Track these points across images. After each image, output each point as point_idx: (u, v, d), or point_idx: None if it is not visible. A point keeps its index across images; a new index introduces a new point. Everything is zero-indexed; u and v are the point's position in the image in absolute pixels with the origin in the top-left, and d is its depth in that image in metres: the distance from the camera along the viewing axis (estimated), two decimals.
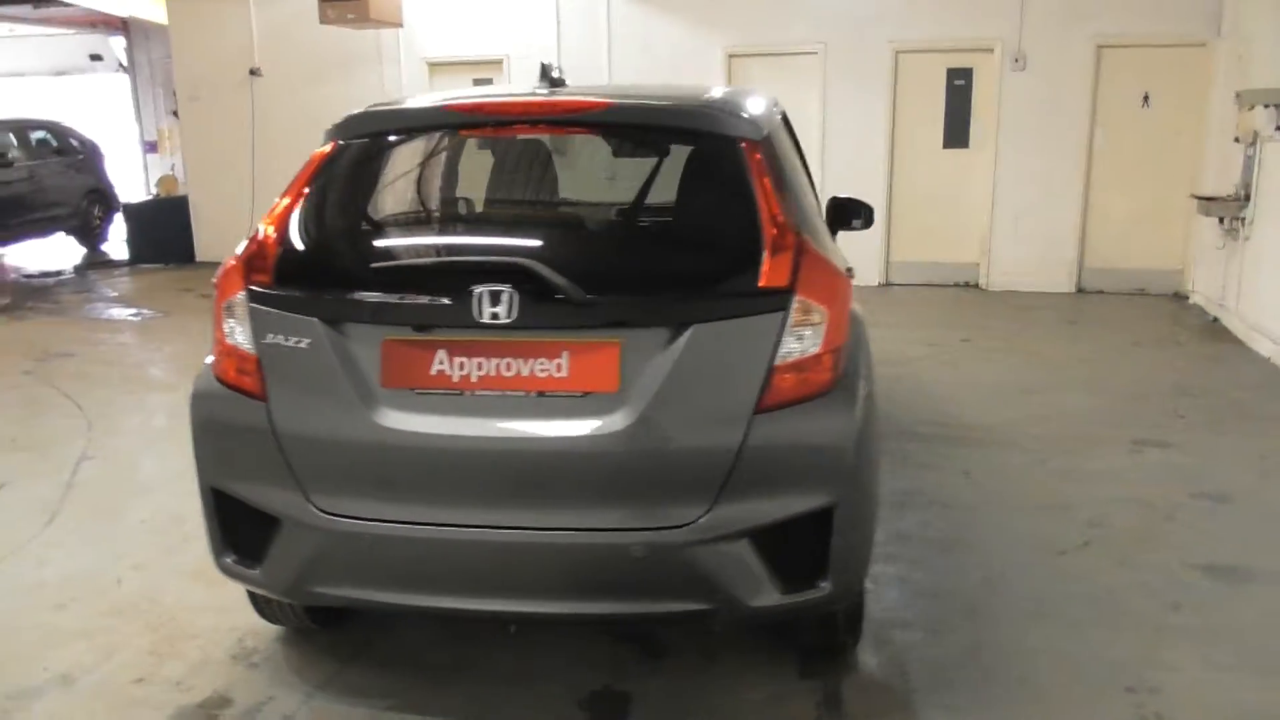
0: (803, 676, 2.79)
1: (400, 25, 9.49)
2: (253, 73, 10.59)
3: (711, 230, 2.48)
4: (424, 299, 2.32)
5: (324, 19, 8.89)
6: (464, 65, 10.27)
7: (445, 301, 2.29)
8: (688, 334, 2.29)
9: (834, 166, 8.98)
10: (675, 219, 2.50)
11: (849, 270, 2.59)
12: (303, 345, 2.36)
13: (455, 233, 2.51)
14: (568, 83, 2.76)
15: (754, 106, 2.70)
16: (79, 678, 2.77)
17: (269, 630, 2.96)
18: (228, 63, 10.66)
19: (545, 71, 2.70)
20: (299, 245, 2.46)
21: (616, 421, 2.27)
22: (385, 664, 2.84)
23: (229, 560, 2.52)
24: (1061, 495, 4.11)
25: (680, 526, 2.27)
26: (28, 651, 2.91)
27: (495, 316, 2.27)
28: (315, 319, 2.36)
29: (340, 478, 2.36)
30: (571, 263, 2.36)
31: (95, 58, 15.43)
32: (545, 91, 2.65)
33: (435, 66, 10.35)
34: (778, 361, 2.30)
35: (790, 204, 2.50)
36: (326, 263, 2.43)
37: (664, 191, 2.54)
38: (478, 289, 2.27)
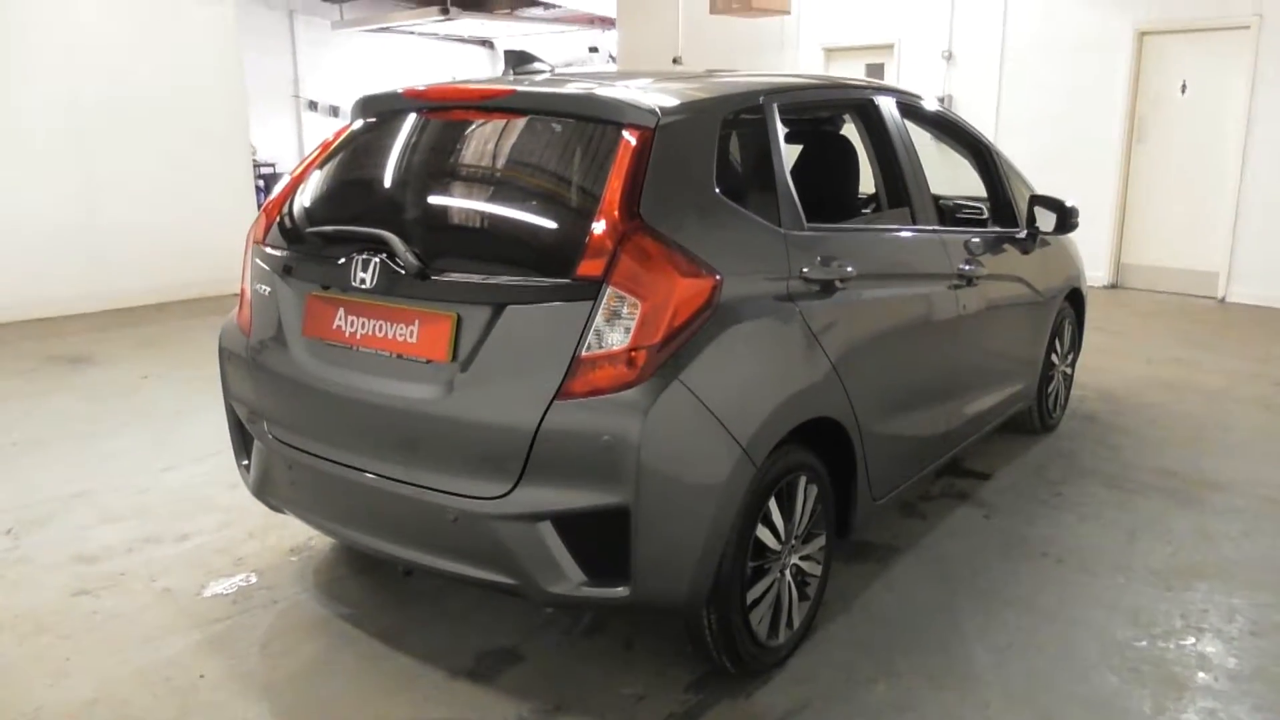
0: (687, 689, 2.68)
1: (787, 13, 9.68)
2: (675, 61, 11.49)
3: (556, 215, 2.48)
4: (327, 262, 2.68)
5: (713, 9, 9.43)
6: (857, 50, 10.20)
7: (338, 265, 2.63)
8: (504, 314, 2.38)
9: (1263, 167, 7.52)
10: (534, 203, 2.54)
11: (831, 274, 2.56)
12: (266, 293, 2.87)
13: (359, 205, 2.81)
14: (567, 69, 2.91)
15: (671, 95, 2.61)
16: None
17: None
18: (658, 51, 11.70)
19: (508, 59, 2.87)
20: (281, 210, 2.95)
21: (444, 390, 2.44)
22: (373, 584, 3.28)
23: (242, 463, 3.13)
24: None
25: (487, 499, 2.38)
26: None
27: (363, 282, 2.55)
28: (273, 271, 2.84)
29: (281, 407, 2.83)
30: (427, 239, 2.56)
31: (593, 49, 17.76)
32: (511, 78, 2.84)
33: (831, 52, 10.42)
34: (583, 351, 2.29)
35: (670, 195, 2.41)
36: (288, 226, 2.89)
37: (550, 176, 2.59)
38: (356, 257, 2.57)
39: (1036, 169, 5.60)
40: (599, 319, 2.28)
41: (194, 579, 3.31)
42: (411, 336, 2.52)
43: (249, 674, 2.76)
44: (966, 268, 3.54)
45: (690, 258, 2.37)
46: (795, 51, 10.53)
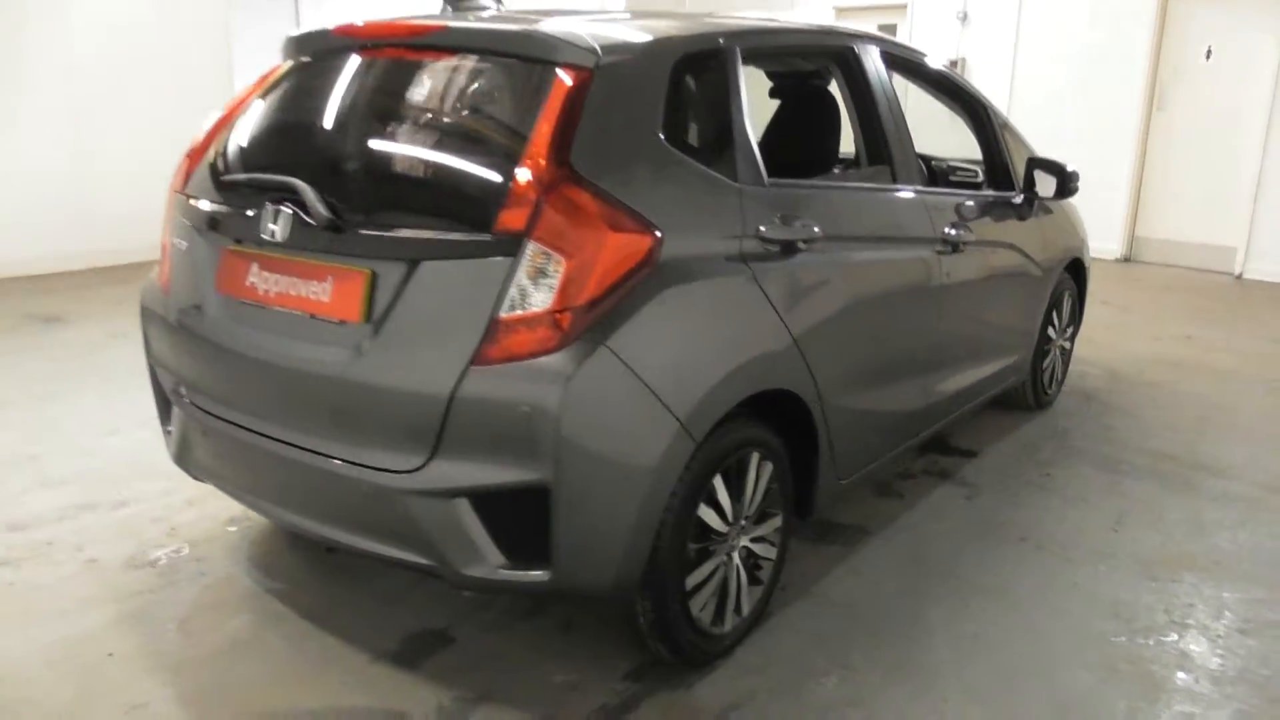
0: (624, 678, 2.50)
1: None
2: None
3: (479, 163, 2.26)
4: (241, 213, 2.48)
5: None
6: (869, 10, 9.86)
7: (251, 216, 2.43)
8: (419, 271, 2.18)
9: None
10: (457, 149, 2.33)
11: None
12: (183, 247, 2.67)
13: (276, 151, 2.59)
14: (496, 7, 2.68)
15: (617, 33, 2.38)
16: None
17: None
18: (662, 7, 11.35)
19: None
20: (201, 158, 2.74)
21: (357, 353, 2.24)
22: (309, 559, 3.10)
23: (166, 429, 2.95)
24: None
25: (401, 473, 2.19)
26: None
27: (273, 234, 2.35)
28: (190, 224, 2.65)
29: (196, 370, 2.65)
30: (343, 187, 2.36)
31: None
32: (449, 13, 2.62)
33: (842, 11, 10.07)
34: (502, 313, 2.08)
35: (608, 143, 2.19)
36: (206, 174, 2.68)
37: (478, 120, 2.37)
38: (267, 207, 2.37)
39: (1051, 135, 5.34)
40: (520, 278, 2.07)
41: (123, 549, 3.15)
42: (324, 295, 2.32)
43: (161, 652, 2.60)
44: (952, 232, 3.30)
45: (625, 212, 2.15)
46: (805, 10, 10.20)
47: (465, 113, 2.38)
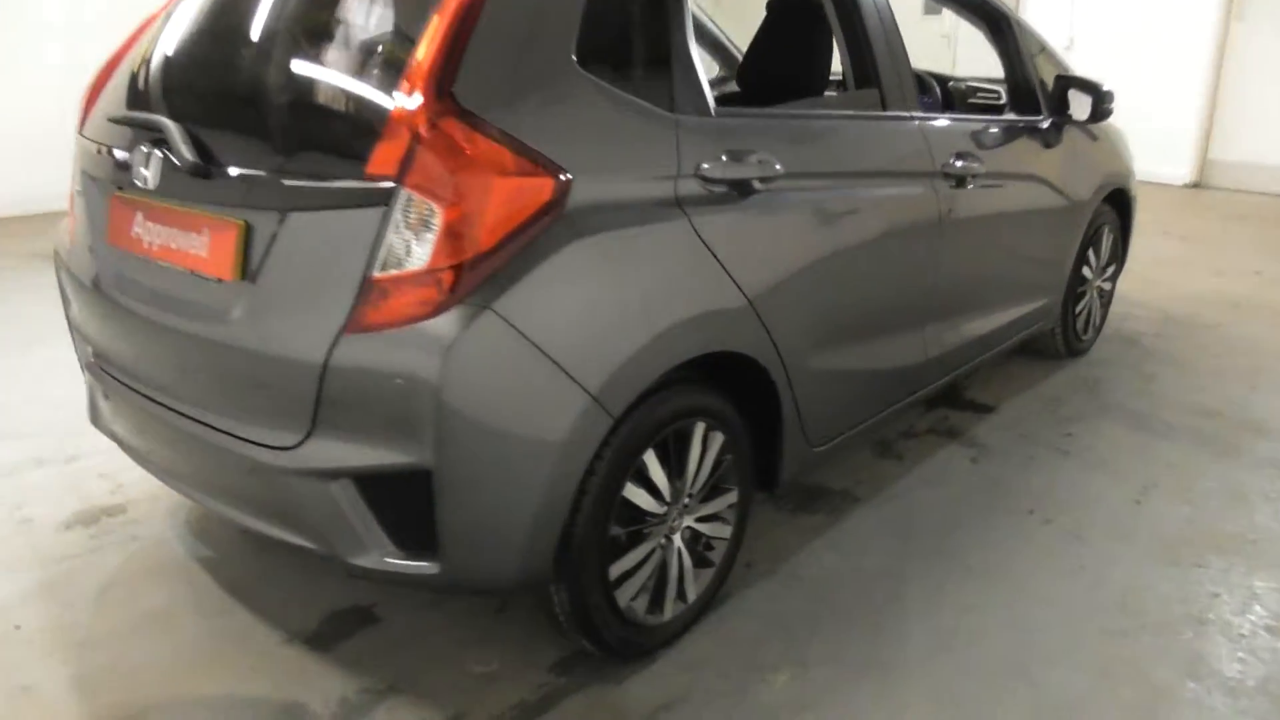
0: (551, 669, 2.26)
1: None
2: None
3: (354, 97, 1.96)
4: (117, 157, 2.22)
5: None
6: None
7: (125, 160, 2.17)
8: (288, 223, 1.91)
9: None
10: (334, 81, 2.01)
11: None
12: (81, 194, 2.43)
13: (156, 86, 2.30)
14: None
15: None
16: None
17: None
18: None
19: None
20: (98, 96, 2.48)
21: (232, 314, 1.99)
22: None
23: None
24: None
25: (280, 449, 1.95)
26: None
27: (144, 180, 2.10)
28: (84, 168, 2.41)
29: (94, 327, 2.43)
30: (216, 126, 2.08)
31: None
32: None
33: None
34: (376, 271, 1.80)
35: (502, 69, 1.87)
36: (99, 114, 2.43)
37: (359, 47, 2.05)
38: (140, 150, 2.11)
39: (1116, 50, 4.78)
40: (394, 231, 1.78)
41: (61, 508, 3.00)
42: (201, 248, 2.06)
43: (68, 627, 2.44)
44: (957, 164, 2.90)
45: (521, 151, 1.84)
46: None
47: (346, 38, 2.07)
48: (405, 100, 1.79)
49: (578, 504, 2.00)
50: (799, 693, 2.19)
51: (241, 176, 1.98)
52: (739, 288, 2.20)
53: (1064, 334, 4.01)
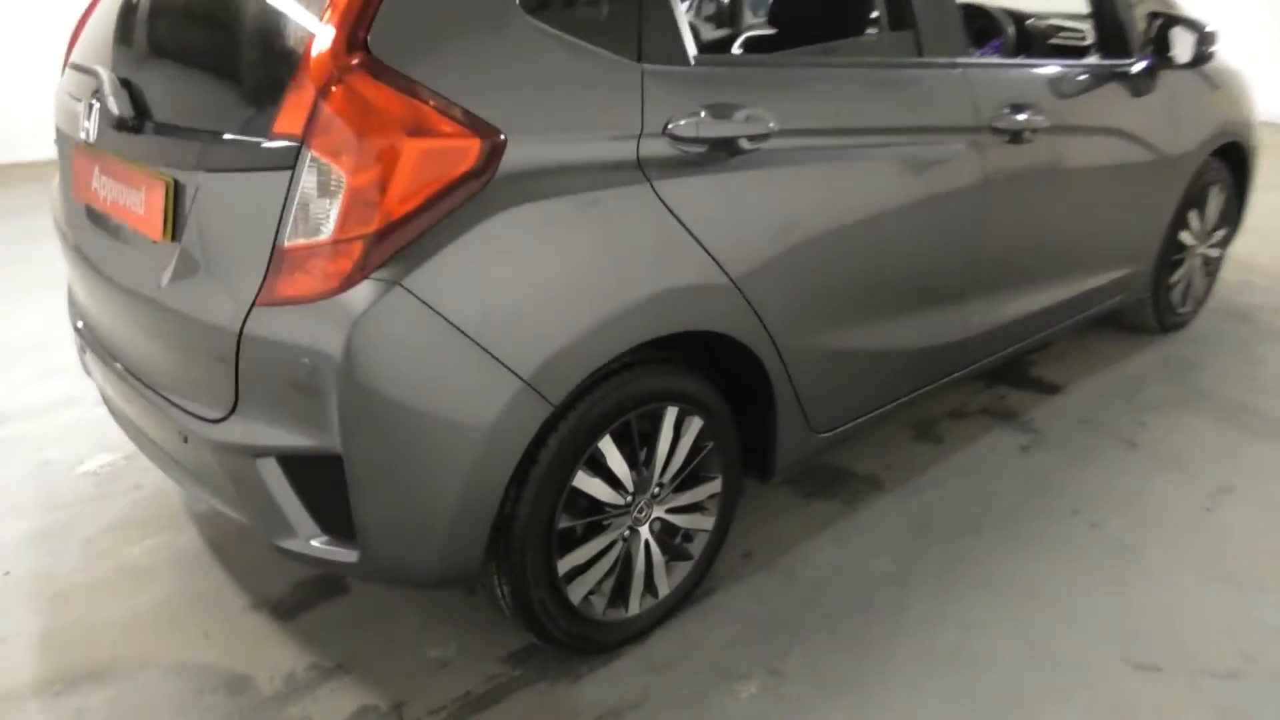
0: (506, 659, 2.14)
1: None
2: None
3: (272, 46, 1.78)
4: (75, 107, 2.14)
5: None
6: None
7: (78, 109, 2.09)
8: (204, 184, 1.78)
9: None
10: (259, 28, 1.84)
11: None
12: (56, 143, 2.38)
13: (109, 32, 2.17)
14: None
15: None
16: None
17: None
18: None
19: None
20: (74, 40, 2.40)
21: (163, 276, 1.90)
22: None
23: None
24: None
25: (210, 421, 1.86)
26: None
27: (86, 132, 2.02)
28: (56, 118, 2.35)
29: (72, 283, 2.40)
30: (151, 76, 1.96)
31: None
32: None
33: None
34: (284, 240, 1.66)
35: (428, 14, 1.68)
36: (70, 61, 2.35)
37: None
38: (85, 101, 2.02)
39: None
40: (301, 196, 1.63)
41: (79, 452, 3.04)
42: (139, 206, 1.97)
43: (51, 577, 2.45)
44: (1012, 116, 2.55)
45: (443, 108, 1.64)
46: None
47: None
48: (315, 50, 1.62)
49: (517, 494, 1.85)
50: (763, 708, 2.01)
51: (167, 131, 1.87)
52: (715, 261, 1.97)
53: (1155, 307, 3.59)
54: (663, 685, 2.07)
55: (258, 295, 1.69)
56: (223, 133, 1.75)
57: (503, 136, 1.69)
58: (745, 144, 1.99)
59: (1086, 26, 3.24)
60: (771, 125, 2.02)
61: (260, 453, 1.80)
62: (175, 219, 1.87)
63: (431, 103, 1.63)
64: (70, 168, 2.27)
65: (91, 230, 2.19)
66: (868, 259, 2.32)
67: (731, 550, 2.47)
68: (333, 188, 1.61)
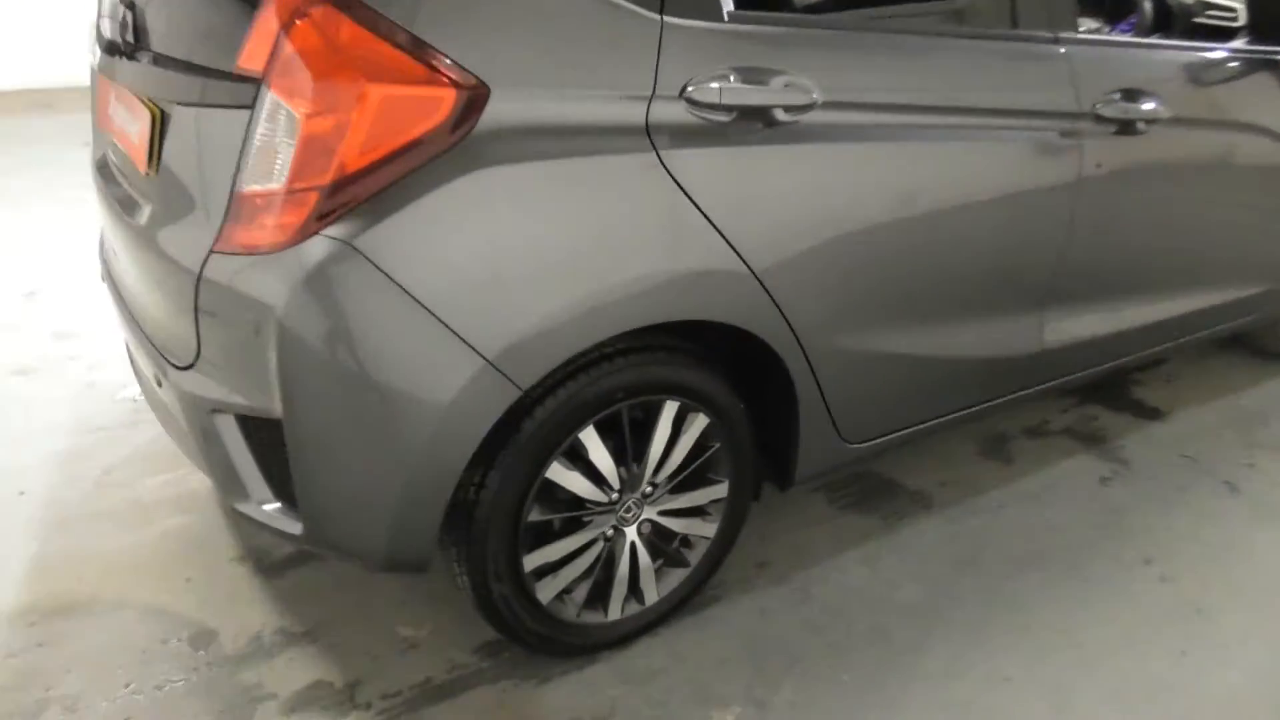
0: (476, 650, 2.01)
1: None
2: None
3: None
4: (96, 28, 2.07)
5: None
6: None
7: (96, 33, 2.02)
8: (180, 117, 1.68)
9: None
10: None
11: None
12: (90, 71, 2.33)
13: None
14: None
15: None
16: None
17: None
18: None
19: None
20: None
21: (144, 210, 1.82)
22: None
23: None
24: None
25: (178, 367, 1.77)
26: None
27: (94, 56, 1.94)
28: (90, 43, 2.29)
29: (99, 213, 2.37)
30: (152, 3, 1.85)
31: None
32: None
33: None
34: (242, 185, 1.53)
35: None
36: None
37: None
38: (102, 23, 1.95)
39: None
40: (260, 139, 1.50)
41: (126, 376, 3.05)
42: (135, 136, 1.88)
43: (62, 502, 2.46)
44: (1129, 104, 2.21)
45: (415, 52, 1.47)
46: None
47: None
48: None
49: (481, 479, 1.70)
50: None
51: (156, 59, 1.76)
52: (731, 246, 1.74)
53: None
54: (633, 700, 1.90)
55: (216, 240, 1.58)
56: (193, 64, 1.64)
57: (485, 88, 1.51)
58: (781, 115, 1.75)
59: (1241, 5, 2.80)
60: (815, 96, 1.77)
61: (217, 408, 1.70)
62: (159, 152, 1.77)
63: (403, 45, 1.46)
64: (95, 93, 2.22)
65: (109, 159, 2.13)
66: (924, 258, 2.05)
67: (746, 558, 2.27)
68: (286, 130, 1.46)
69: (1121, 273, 2.49)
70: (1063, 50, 2.14)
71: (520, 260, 1.56)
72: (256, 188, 1.51)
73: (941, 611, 2.14)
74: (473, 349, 1.55)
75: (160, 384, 1.85)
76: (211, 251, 1.58)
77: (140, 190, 1.86)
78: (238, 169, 1.53)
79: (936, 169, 1.99)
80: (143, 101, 1.81)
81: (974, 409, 2.38)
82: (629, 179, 1.63)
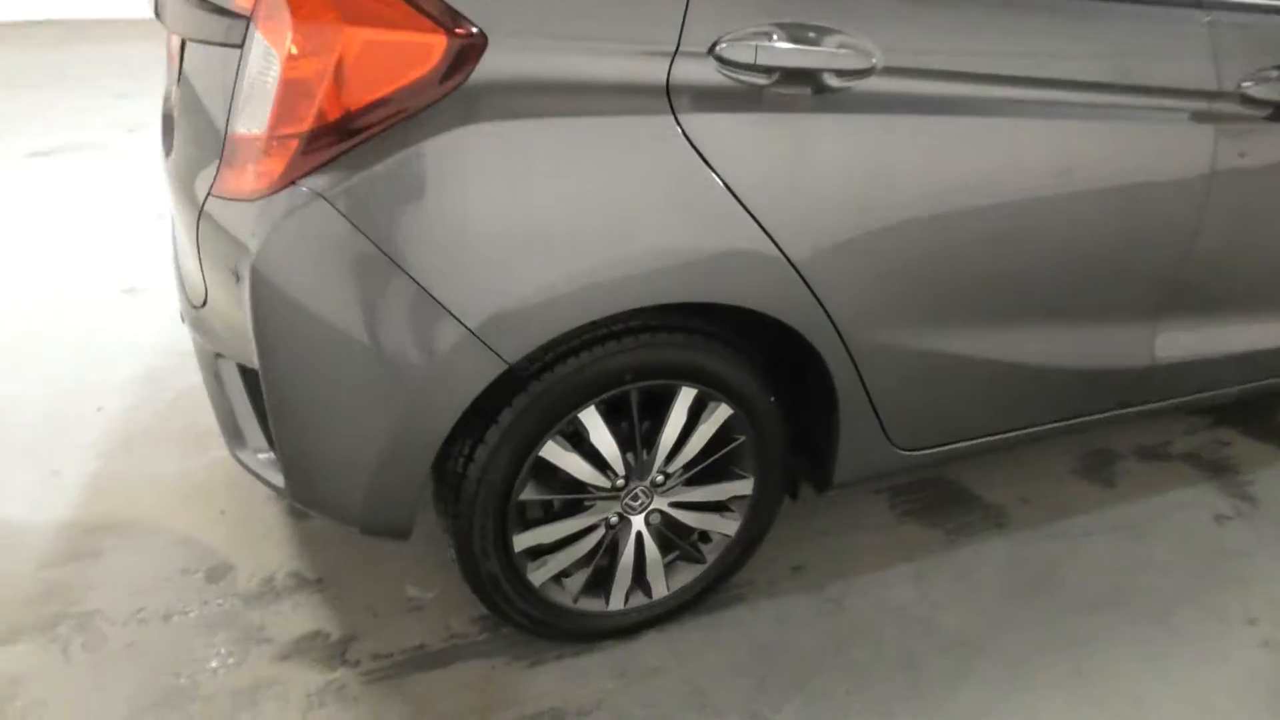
0: (476, 620, 1.95)
1: None
2: None
3: None
4: None
5: None
6: None
7: None
8: (187, 49, 1.64)
9: None
10: None
11: None
12: None
13: None
14: None
15: None
16: None
17: None
18: None
19: None
20: None
21: (176, 148, 1.82)
22: None
23: None
24: None
25: (195, 308, 1.77)
26: None
27: None
28: None
29: None
30: None
31: None
32: None
33: None
34: (233, 128, 1.48)
35: None
36: None
37: None
38: None
39: None
40: (248, 80, 1.44)
41: None
42: (173, 73, 1.87)
43: (129, 422, 2.55)
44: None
45: None
46: None
47: None
48: None
49: (470, 453, 1.62)
50: None
51: None
52: (758, 223, 1.56)
53: None
54: (623, 696, 1.79)
55: (215, 181, 1.54)
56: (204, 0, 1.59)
57: (482, 37, 1.39)
58: (832, 81, 1.55)
59: None
60: (875, 60, 1.56)
61: (220, 352, 1.69)
62: (182, 81, 1.75)
63: None
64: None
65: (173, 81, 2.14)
66: (1005, 254, 1.80)
67: (781, 557, 2.11)
68: (270, 71, 1.39)
69: (1260, 283, 2.13)
70: (1204, 16, 1.82)
71: (512, 227, 1.45)
72: (243, 131, 1.45)
73: (985, 645, 1.92)
74: (454, 316, 1.45)
75: (184, 321, 1.86)
76: (210, 193, 1.54)
77: (173, 126, 1.85)
78: (229, 110, 1.47)
79: (1025, 152, 1.73)
80: (174, 30, 1.79)
81: (1061, 424, 2.11)
82: (639, 144, 1.48)
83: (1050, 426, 2.10)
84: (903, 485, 2.36)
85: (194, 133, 1.68)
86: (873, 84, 1.58)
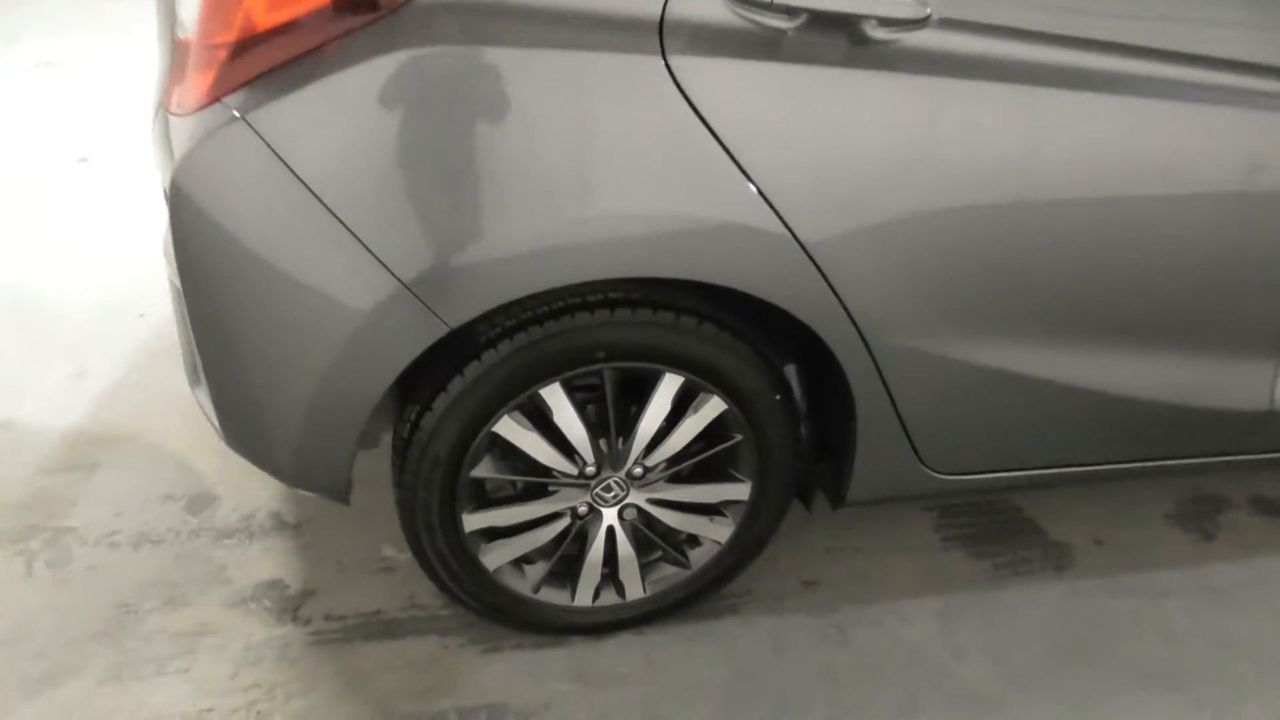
0: (439, 593, 1.81)
1: None
2: None
3: None
4: None
5: None
6: None
7: None
8: None
9: None
10: None
11: None
12: None
13: None
14: None
15: None
16: None
17: None
18: None
19: None
20: None
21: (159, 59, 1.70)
22: None
23: None
24: None
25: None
26: None
27: None
28: None
29: None
30: None
31: None
32: None
33: None
34: (175, 33, 1.34)
35: None
36: None
37: None
38: None
39: None
40: None
41: None
42: None
43: (162, 333, 2.50)
44: None
45: None
46: None
47: None
48: None
49: (416, 420, 1.46)
50: None
51: None
52: (762, 194, 1.31)
53: None
54: (573, 703, 1.62)
55: (163, 95, 1.41)
56: None
57: None
58: (876, 31, 1.27)
59: None
60: (930, 9, 1.27)
61: (172, 279, 1.57)
62: None
63: None
64: None
65: None
66: (1083, 257, 1.47)
67: (794, 570, 1.88)
68: None
69: None
70: None
71: (458, 171, 1.25)
72: (180, 36, 1.30)
73: (1005, 707, 1.65)
74: (385, 267, 1.28)
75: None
76: (159, 106, 1.42)
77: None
78: (174, 15, 1.33)
79: (1130, 141, 1.40)
80: None
81: (1148, 465, 1.78)
82: (615, 88, 1.25)
83: (1131, 466, 1.76)
84: (956, 505, 2.07)
85: (164, 43, 1.55)
86: (924, 38, 1.29)
